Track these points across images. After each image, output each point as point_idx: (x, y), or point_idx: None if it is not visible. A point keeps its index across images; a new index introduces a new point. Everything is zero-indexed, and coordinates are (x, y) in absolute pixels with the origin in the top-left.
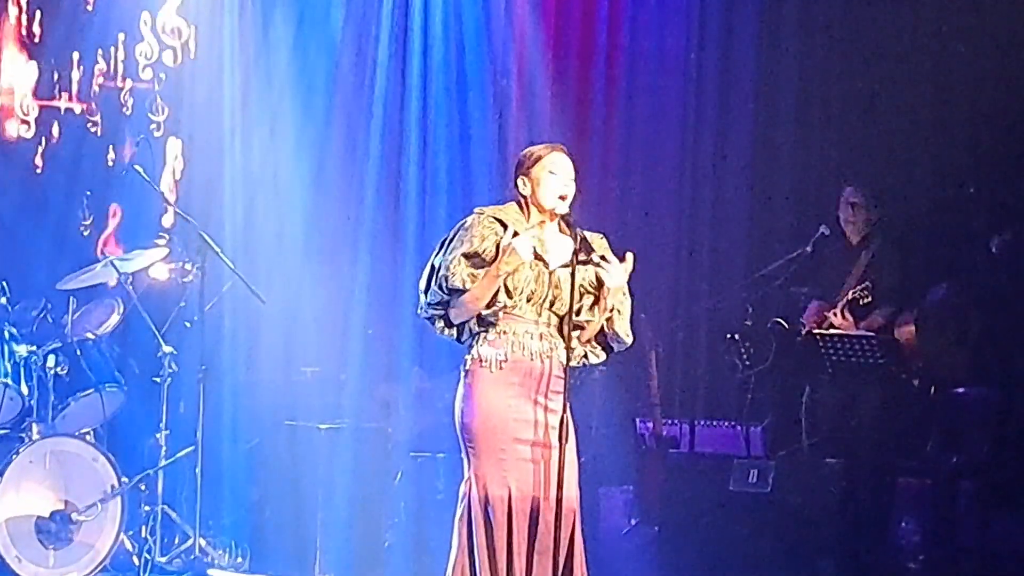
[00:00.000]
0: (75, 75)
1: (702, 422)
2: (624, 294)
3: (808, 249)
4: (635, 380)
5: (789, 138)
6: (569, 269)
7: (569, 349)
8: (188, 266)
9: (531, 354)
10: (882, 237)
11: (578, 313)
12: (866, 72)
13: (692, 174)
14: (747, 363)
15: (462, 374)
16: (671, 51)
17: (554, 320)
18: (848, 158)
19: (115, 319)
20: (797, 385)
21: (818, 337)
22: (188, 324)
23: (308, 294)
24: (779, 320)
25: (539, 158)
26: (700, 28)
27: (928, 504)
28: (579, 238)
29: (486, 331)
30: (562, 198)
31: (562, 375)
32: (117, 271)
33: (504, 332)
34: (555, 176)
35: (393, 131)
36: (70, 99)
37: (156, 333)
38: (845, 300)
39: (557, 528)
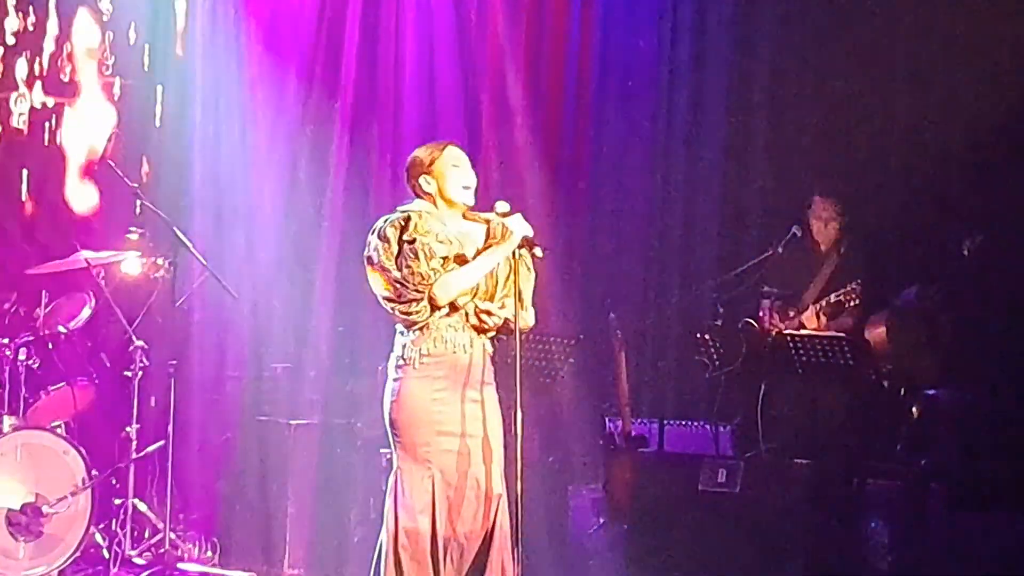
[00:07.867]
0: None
1: (671, 422)
2: (528, 270)
3: (779, 249)
4: (604, 379)
5: (761, 139)
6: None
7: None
8: (160, 261)
9: (455, 347)
10: (853, 240)
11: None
12: (840, 76)
13: (663, 174)
14: (717, 363)
15: (391, 372)
16: (644, 52)
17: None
18: (820, 160)
19: (86, 313)
20: (767, 385)
21: (788, 338)
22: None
23: (278, 290)
24: (750, 320)
25: (438, 155)
26: (673, 31)
27: (897, 505)
28: (487, 223)
29: (410, 330)
30: (466, 188)
31: (488, 363)
32: (88, 262)
33: (426, 328)
34: (458, 169)
35: (364, 132)
36: (44, 92)
37: (127, 327)
38: (825, 302)
39: (487, 514)
